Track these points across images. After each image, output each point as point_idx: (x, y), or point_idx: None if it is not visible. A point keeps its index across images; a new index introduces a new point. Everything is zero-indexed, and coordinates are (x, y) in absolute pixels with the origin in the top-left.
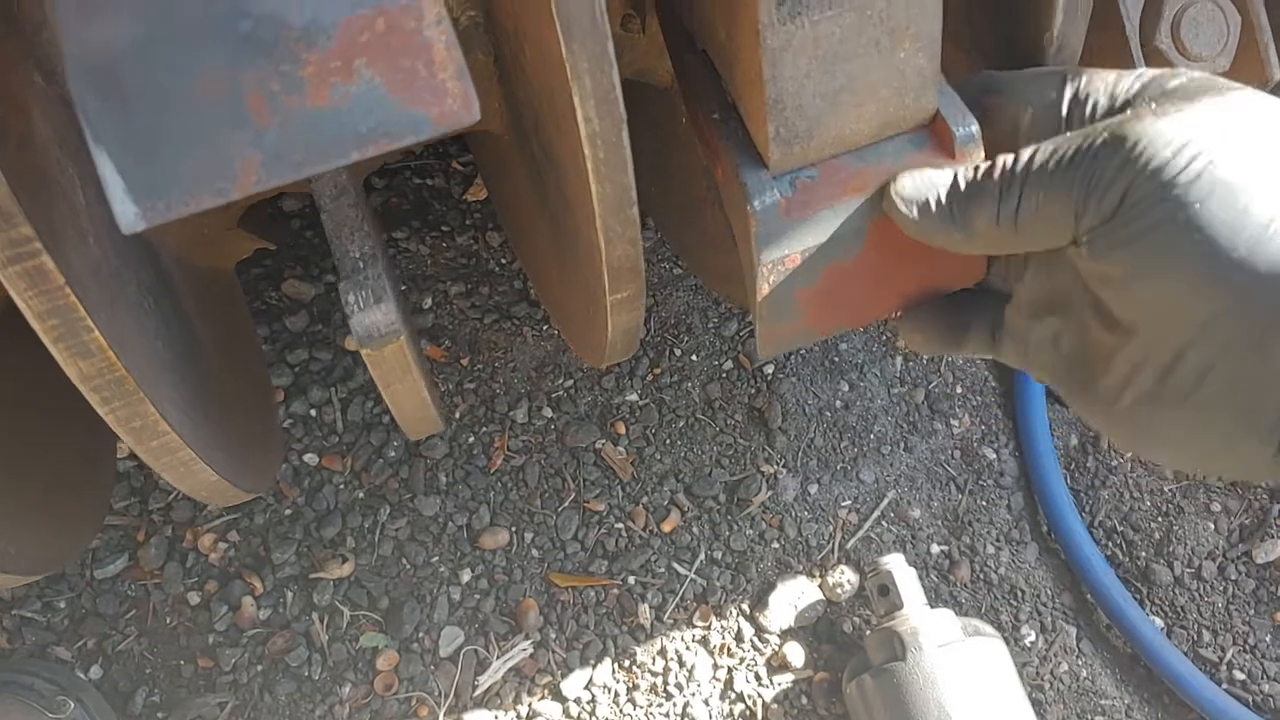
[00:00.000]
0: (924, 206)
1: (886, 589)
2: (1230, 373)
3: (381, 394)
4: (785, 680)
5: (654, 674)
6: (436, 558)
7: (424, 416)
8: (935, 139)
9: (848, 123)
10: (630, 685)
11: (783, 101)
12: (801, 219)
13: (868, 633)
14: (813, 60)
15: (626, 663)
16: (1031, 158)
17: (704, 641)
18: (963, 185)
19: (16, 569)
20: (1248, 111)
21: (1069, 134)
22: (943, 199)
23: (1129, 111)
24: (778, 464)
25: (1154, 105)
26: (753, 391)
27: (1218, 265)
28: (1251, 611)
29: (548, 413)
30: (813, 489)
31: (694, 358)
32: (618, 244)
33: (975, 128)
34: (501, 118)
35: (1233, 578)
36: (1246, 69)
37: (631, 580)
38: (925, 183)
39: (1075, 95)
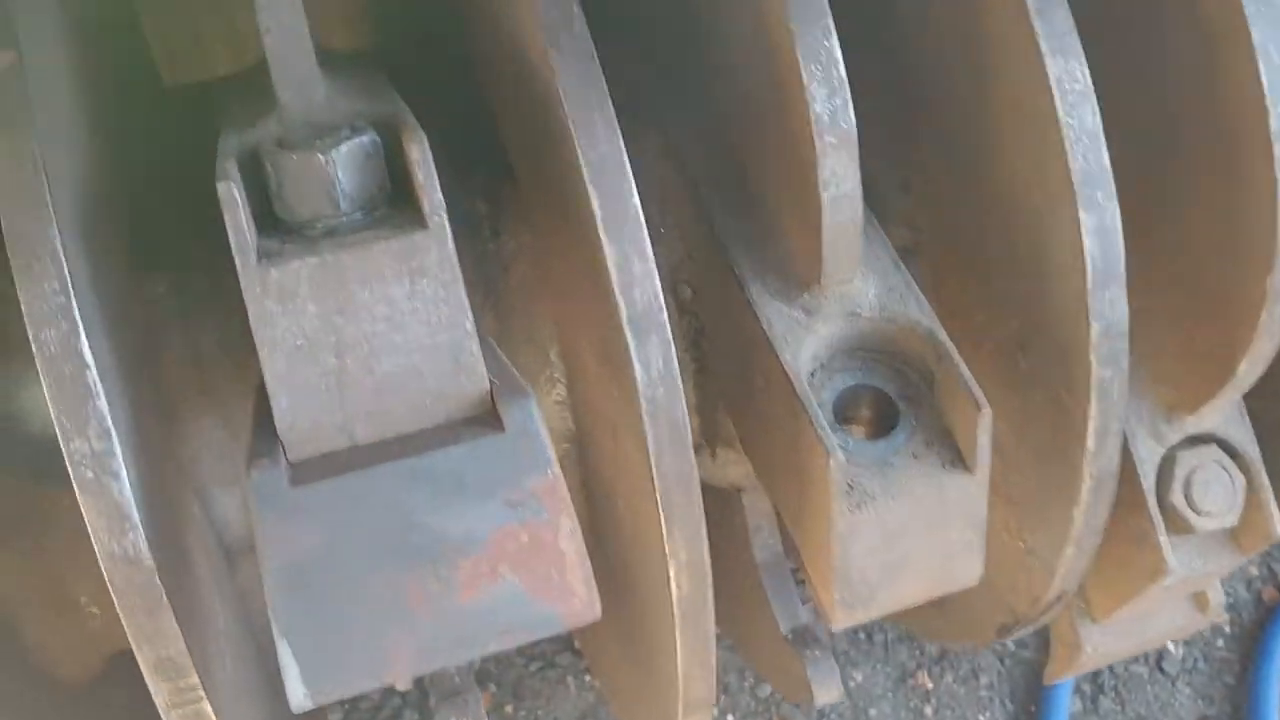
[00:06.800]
0: None
1: None
2: None
3: None
4: None
5: None
6: None
7: None
8: None
9: (905, 587)
10: None
11: (849, 575)
12: None
13: None
14: (877, 538)
15: None
16: None
17: None
18: None
19: None
20: None
21: None
22: None
23: None
24: None
25: None
26: None
27: None
28: None
29: None
30: None
31: (729, 718)
32: (697, 685)
33: None
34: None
35: None
36: (1252, 526)
37: None
38: None
39: None
